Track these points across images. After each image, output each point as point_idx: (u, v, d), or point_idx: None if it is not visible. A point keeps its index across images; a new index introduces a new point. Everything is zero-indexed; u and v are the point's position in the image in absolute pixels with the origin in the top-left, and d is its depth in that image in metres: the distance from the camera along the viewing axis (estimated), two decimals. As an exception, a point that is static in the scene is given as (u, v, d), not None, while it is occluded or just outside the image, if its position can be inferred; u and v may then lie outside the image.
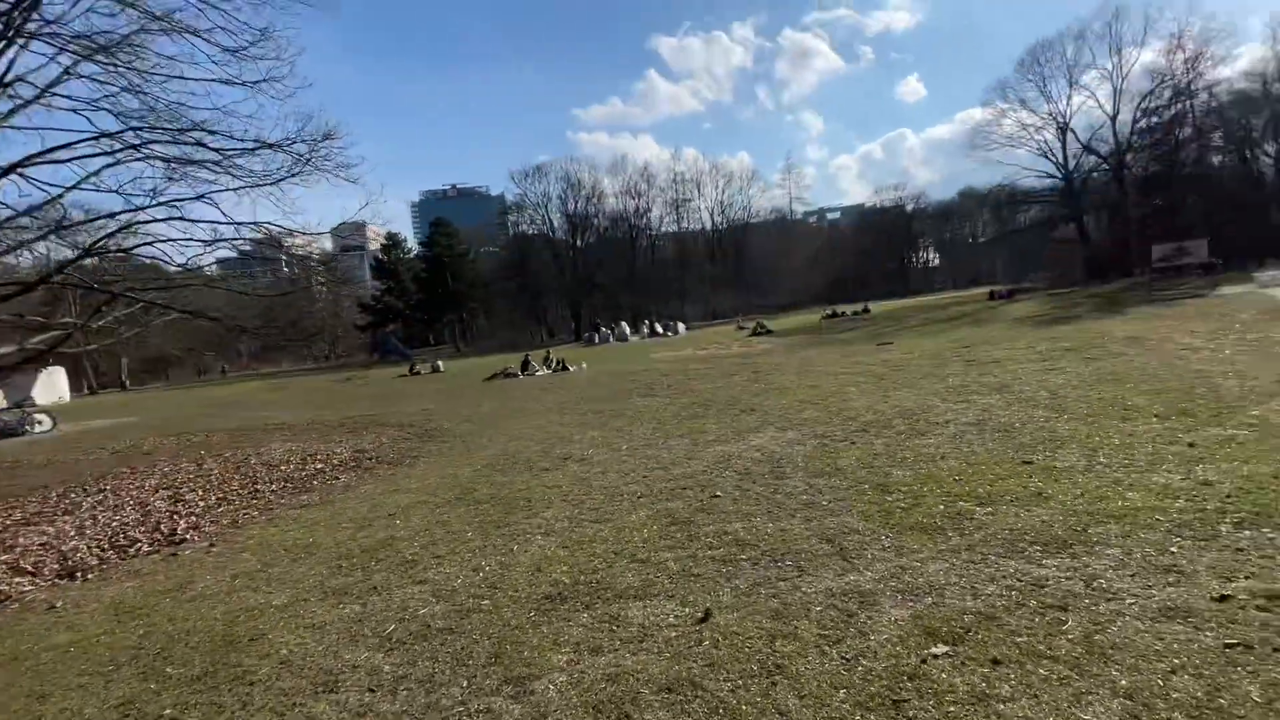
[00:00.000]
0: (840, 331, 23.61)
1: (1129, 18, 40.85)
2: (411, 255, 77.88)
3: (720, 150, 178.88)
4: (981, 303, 31.13)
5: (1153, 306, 16.79)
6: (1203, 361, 7.66)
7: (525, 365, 22.11)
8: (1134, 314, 15.44)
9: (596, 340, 43.23)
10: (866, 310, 37.02)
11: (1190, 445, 4.41)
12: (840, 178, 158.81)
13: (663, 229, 74.03)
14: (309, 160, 11.18)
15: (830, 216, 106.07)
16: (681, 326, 43.96)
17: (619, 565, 3.65)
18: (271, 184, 11.35)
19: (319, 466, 8.52)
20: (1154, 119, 41.11)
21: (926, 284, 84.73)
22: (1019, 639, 2.36)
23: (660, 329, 43.08)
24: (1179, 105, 40.75)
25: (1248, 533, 2.96)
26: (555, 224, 71.26)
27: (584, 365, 22.01)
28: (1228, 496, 3.41)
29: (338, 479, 7.65)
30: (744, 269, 73.63)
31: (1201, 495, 3.48)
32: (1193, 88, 40.07)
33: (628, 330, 44.37)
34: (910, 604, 2.75)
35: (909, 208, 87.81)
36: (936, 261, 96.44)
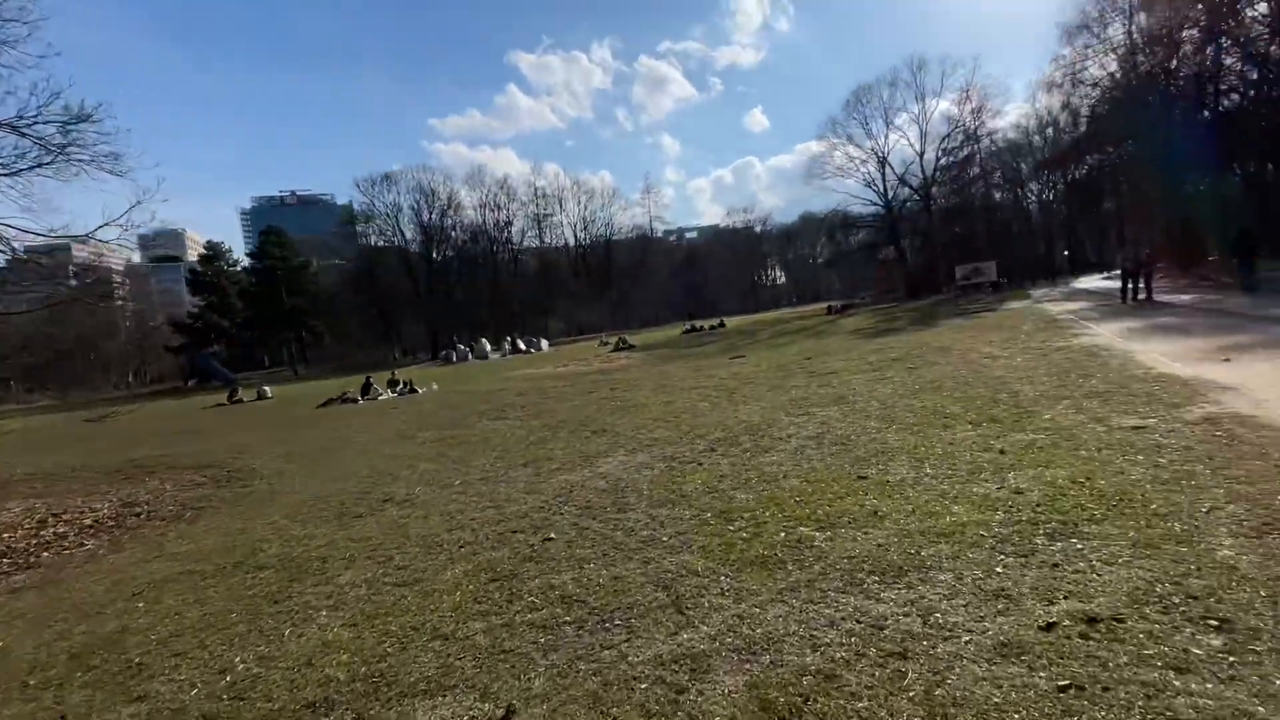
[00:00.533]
0: (698, 345, 24.27)
1: (929, 71, 47.33)
2: (238, 268, 69.22)
3: (582, 168, 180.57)
4: (821, 317, 33.85)
5: (958, 319, 19.05)
6: (1001, 369, 8.51)
7: (366, 389, 20.08)
8: (944, 326, 17.37)
9: (454, 359, 41.08)
10: (722, 324, 38.80)
11: (1001, 452, 4.63)
12: (696, 199, 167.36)
13: (524, 244, 72.54)
14: (63, 148, 9.15)
15: (689, 236, 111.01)
16: (544, 343, 43.09)
17: (415, 646, 2.94)
18: (9, 174, 9.13)
19: (60, 530, 6.70)
20: (951, 158, 47.82)
21: (775, 300, 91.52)
22: (860, 705, 2.06)
23: (523, 346, 41.91)
24: (969, 148, 47.80)
25: (1059, 544, 2.98)
26: (408, 236, 66.99)
27: (434, 386, 20.46)
28: (1037, 505, 3.49)
29: (82, 545, 6.02)
30: (608, 285, 74.38)
31: (1016, 505, 3.55)
32: (978, 134, 47.23)
33: (488, 348, 42.66)
34: (747, 666, 2.38)
35: (758, 229, 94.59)
36: (783, 279, 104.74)
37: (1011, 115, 63.02)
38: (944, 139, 47.36)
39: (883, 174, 50.39)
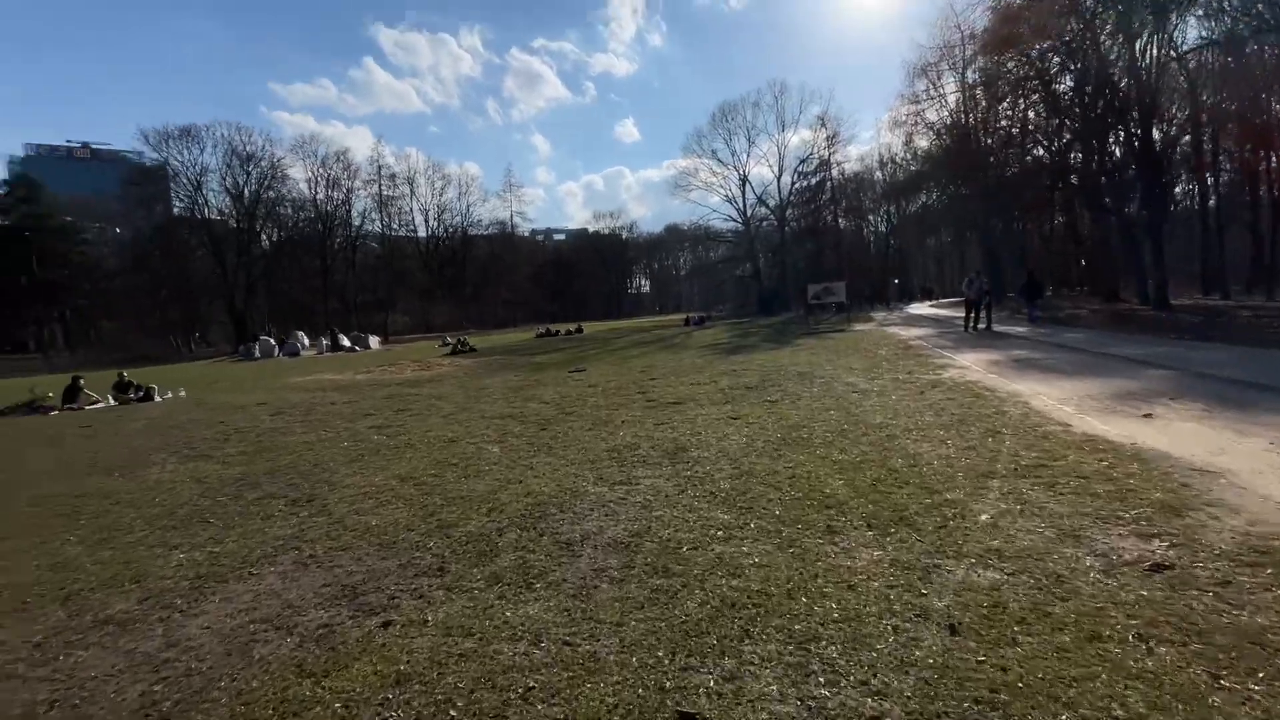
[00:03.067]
0: (544, 352, 21.42)
1: (790, 96, 49.03)
2: (-30, 227, 54.27)
3: (449, 156, 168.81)
4: (678, 328, 32.63)
5: (810, 339, 18.08)
6: (878, 410, 6.67)
7: (72, 393, 14.64)
8: (799, 345, 16.15)
9: (258, 354, 34.31)
10: (580, 330, 36.38)
11: (953, 631, 2.34)
12: (567, 202, 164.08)
13: (366, 227, 64.72)
14: None
15: (557, 237, 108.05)
16: (374, 340, 37.69)
17: None
18: None
19: None
20: (806, 182, 49.67)
21: (639, 308, 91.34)
22: None
23: (347, 343, 36.25)
24: (822, 174, 49.93)
25: None
26: (222, 208, 56.89)
27: (182, 393, 15.52)
28: None
29: None
30: (462, 281, 68.99)
31: None
32: (831, 163, 49.50)
33: (304, 343, 36.47)
34: None
35: (624, 236, 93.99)
36: (647, 288, 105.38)
37: (856, 150, 67.95)
38: (800, 163, 49.11)
39: (743, 192, 51.37)
